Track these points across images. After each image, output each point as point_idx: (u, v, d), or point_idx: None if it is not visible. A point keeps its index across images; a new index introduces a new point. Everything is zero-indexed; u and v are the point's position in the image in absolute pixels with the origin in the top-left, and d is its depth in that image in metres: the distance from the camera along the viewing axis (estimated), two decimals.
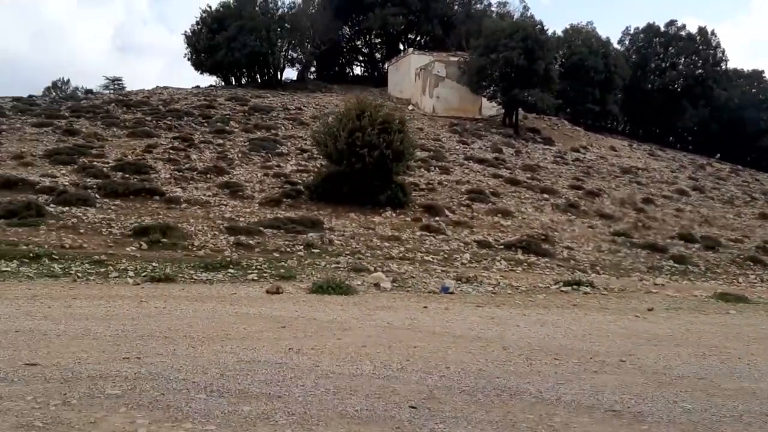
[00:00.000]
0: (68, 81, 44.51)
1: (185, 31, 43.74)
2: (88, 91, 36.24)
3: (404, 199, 18.54)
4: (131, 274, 11.33)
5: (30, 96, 31.79)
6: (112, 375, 5.61)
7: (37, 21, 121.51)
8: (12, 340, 6.59)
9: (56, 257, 11.79)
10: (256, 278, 11.75)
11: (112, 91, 37.28)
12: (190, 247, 13.49)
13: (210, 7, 43.31)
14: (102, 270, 11.40)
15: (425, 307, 9.88)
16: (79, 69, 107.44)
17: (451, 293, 11.35)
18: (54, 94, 35.67)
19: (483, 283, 12.44)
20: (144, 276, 11.22)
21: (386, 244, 15.13)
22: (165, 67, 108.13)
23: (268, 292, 10.44)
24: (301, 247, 14.27)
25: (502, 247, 16.03)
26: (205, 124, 27.12)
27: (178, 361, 6.18)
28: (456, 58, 37.55)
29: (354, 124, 17.34)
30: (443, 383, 5.90)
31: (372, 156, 17.07)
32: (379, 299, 10.50)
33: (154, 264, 12.01)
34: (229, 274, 11.91)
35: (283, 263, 12.96)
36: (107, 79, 41.64)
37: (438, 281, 12.43)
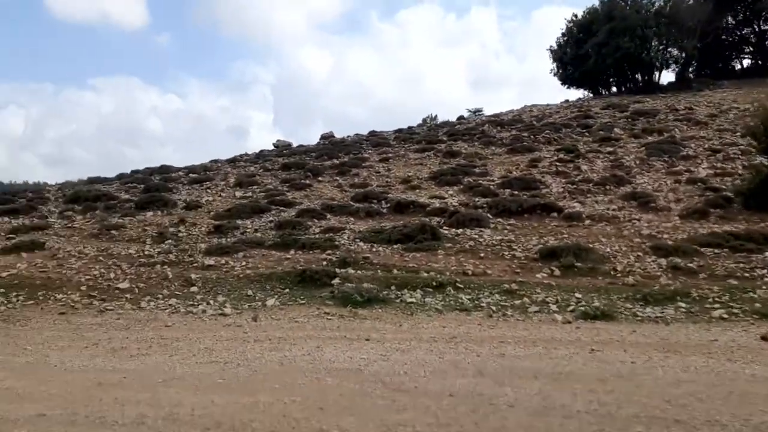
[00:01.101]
0: (435, 116, 46.10)
1: (550, 46, 42.02)
2: (460, 117, 36.47)
3: None
4: (554, 307, 8.93)
5: (409, 127, 33.05)
6: None
7: (403, 69, 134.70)
8: (450, 412, 4.50)
9: (460, 285, 10.06)
10: (725, 315, 8.35)
11: (480, 117, 36.97)
12: (612, 272, 10.66)
13: (575, 15, 40.89)
14: (516, 302, 9.24)
15: None
16: (440, 105, 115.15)
17: None
18: (428, 125, 36.65)
19: None
20: (571, 311, 8.72)
21: None
22: (516, 95, 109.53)
23: (764, 338, 6.98)
24: (764, 270, 10.33)
25: None
26: (586, 134, 24.32)
27: None
28: None
29: None
30: None
31: None
32: None
33: (576, 295, 9.46)
34: (681, 309, 8.73)
35: (750, 293, 9.27)
36: (469, 111, 41.93)
37: None
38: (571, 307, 8.83)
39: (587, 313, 8.45)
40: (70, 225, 15.27)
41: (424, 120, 49.90)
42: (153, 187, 19.52)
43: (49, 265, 11.56)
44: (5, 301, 9.67)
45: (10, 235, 14.16)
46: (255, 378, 5.51)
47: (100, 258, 12.05)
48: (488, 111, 37.77)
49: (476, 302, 9.31)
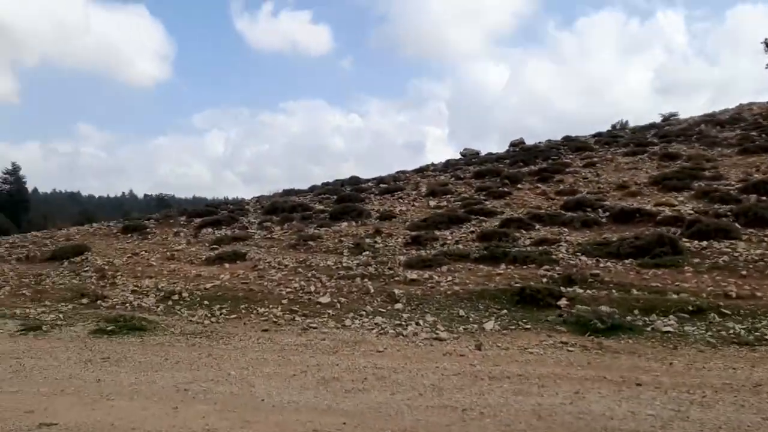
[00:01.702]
0: (627, 122, 42.16)
1: (765, 39, 36.73)
2: (666, 118, 32.73)
3: None
4: None
5: (608, 130, 30.24)
6: None
7: (583, 78, 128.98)
8: None
9: (726, 311, 7.98)
10: None
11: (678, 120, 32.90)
12: None
13: None
14: None
15: None
16: (624, 113, 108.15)
17: None
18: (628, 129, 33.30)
19: None
20: None
21: None
22: (708, 99, 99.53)
23: None
24: None
25: None
26: None
27: None
28: None
29: None
30: None
31: None
32: None
33: None
34: None
35: None
36: (662, 116, 37.60)
37: None
38: None
39: None
40: (268, 236, 15.09)
41: (613, 126, 46.01)
42: (346, 198, 19.10)
43: (250, 277, 11.16)
44: (209, 315, 9.24)
45: (214, 246, 14.19)
46: None
47: (299, 270, 11.46)
48: (682, 116, 33.44)
49: (756, 333, 7.21)
